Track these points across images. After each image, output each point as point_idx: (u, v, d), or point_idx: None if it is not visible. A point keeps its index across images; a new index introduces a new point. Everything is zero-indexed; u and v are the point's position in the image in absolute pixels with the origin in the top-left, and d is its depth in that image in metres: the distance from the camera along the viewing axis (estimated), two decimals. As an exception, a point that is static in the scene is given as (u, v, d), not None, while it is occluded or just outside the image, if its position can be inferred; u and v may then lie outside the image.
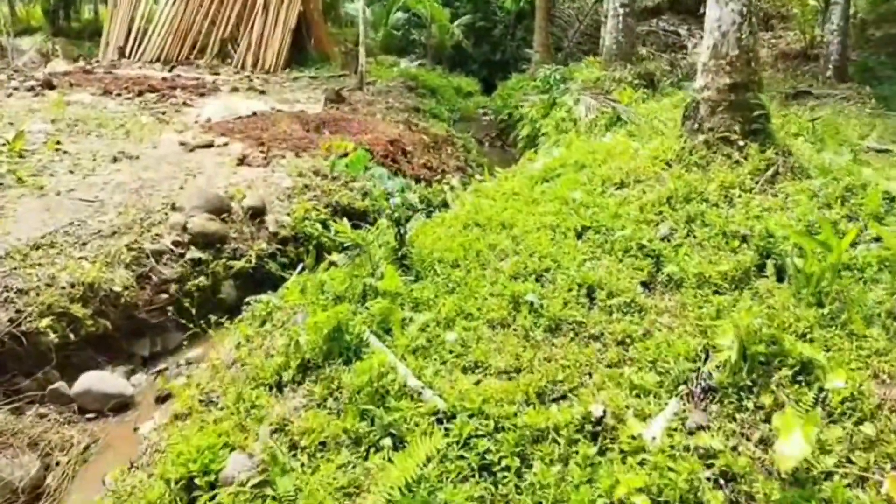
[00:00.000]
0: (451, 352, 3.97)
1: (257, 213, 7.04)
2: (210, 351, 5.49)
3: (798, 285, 4.29)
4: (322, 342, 4.03)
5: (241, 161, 8.54)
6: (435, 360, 3.91)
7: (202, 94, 13.88)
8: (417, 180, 9.72)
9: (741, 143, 6.43)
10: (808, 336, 3.79)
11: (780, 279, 4.46)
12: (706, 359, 3.63)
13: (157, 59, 19.21)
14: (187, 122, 11.21)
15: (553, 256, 5.18)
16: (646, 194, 6.21)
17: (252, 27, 18.70)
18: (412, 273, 5.20)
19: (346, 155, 5.44)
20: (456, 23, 23.86)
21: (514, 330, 4.24)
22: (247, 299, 5.50)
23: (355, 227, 8.34)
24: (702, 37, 23.51)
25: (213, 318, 5.42)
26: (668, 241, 5.24)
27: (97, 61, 19.30)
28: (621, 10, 12.23)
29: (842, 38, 13.55)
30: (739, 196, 5.85)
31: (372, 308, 4.39)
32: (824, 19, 21.62)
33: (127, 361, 5.59)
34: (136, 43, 19.88)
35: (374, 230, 5.67)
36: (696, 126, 6.71)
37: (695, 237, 5.21)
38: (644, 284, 4.68)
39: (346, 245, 5.39)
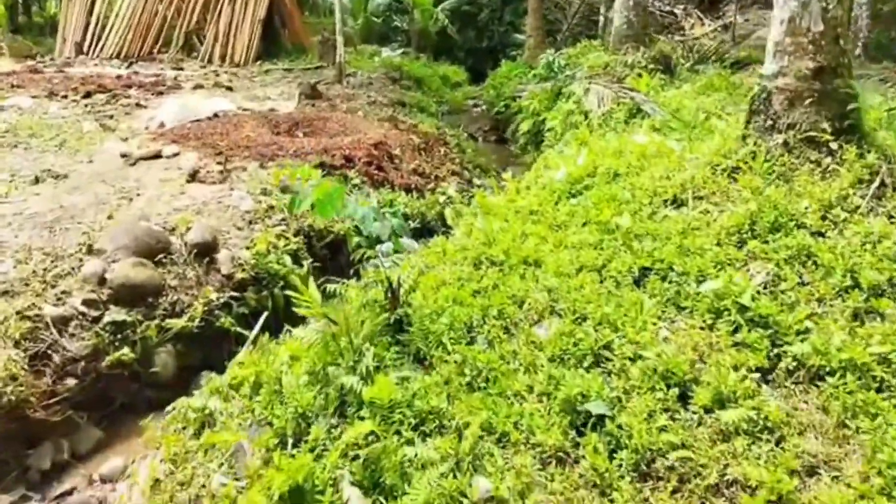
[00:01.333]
0: (486, 533, 2.36)
1: (207, 250, 5.36)
2: (132, 463, 3.86)
3: None
4: (273, 516, 2.40)
5: (192, 177, 6.83)
6: (462, 554, 2.30)
7: (160, 94, 12.08)
8: (408, 190, 8.07)
9: (833, 144, 4.83)
10: None
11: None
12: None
13: (117, 55, 17.30)
14: (136, 128, 9.45)
15: (610, 320, 3.57)
16: (714, 218, 4.60)
17: (219, 17, 16.83)
18: (412, 351, 3.58)
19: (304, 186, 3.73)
20: (440, 7, 22.06)
21: (581, 473, 2.63)
22: (168, 408, 3.81)
23: (334, 256, 6.74)
24: (699, 17, 21.55)
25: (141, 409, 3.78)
26: (772, 293, 3.64)
27: (52, 59, 17.35)
28: (632, -14, 10.61)
29: (870, 11, 11.98)
30: (845, 220, 4.26)
31: (355, 437, 2.75)
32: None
33: (17, 480, 3.93)
34: (95, 38, 17.93)
35: (357, 287, 4.00)
36: (769, 123, 5.09)
37: (811, 288, 3.60)
38: (760, 374, 3.07)
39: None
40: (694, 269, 3.92)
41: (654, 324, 3.51)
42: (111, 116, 10.13)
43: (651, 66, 10.42)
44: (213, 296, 4.99)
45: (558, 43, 16.07)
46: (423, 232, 7.94)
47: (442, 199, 8.06)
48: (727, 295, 3.51)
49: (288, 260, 5.82)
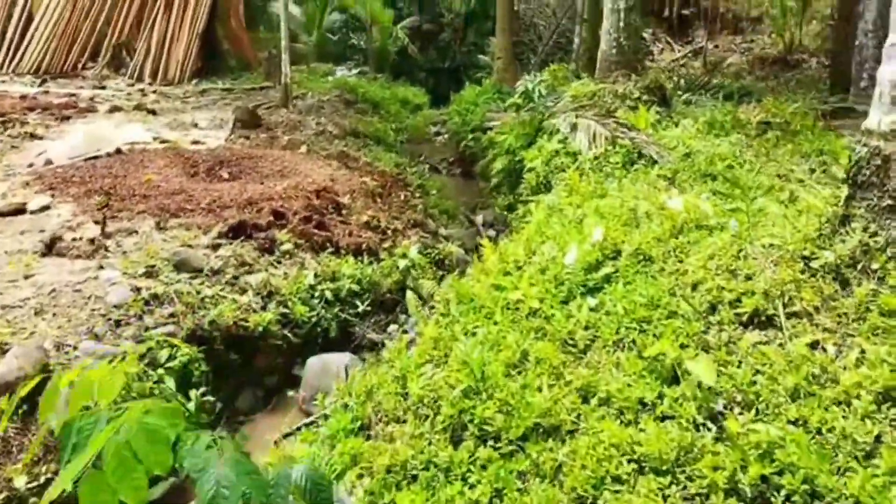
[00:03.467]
0: None
1: (28, 392, 3.31)
2: None
3: None
4: None
5: (50, 248, 4.75)
6: None
7: (66, 119, 9.88)
8: (358, 252, 6.11)
9: None
10: None
11: None
12: None
13: (37, 70, 14.92)
14: (18, 166, 7.29)
15: None
16: (836, 359, 2.79)
17: (153, 28, 14.64)
18: None
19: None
20: (399, 25, 20.26)
21: None
22: None
23: (248, 361, 4.72)
24: (669, 42, 20.22)
25: None
26: None
27: (-44, 73, 14.88)
28: (622, 5, 8.89)
29: (878, 41, 10.57)
30: None
31: None
32: (802, 21, 19.05)
33: None
34: (12, 49, 15.50)
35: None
36: (887, 202, 3.34)
37: None
38: None
39: None
40: (863, 496, 2.09)
41: None
42: (-9, 148, 7.93)
43: (645, 97, 8.72)
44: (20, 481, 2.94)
45: (531, 66, 14.36)
46: (378, 309, 6.01)
47: (402, 263, 6.14)
48: None
49: (171, 383, 3.81)
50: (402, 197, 7.84)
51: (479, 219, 9.26)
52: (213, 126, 10.15)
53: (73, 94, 12.00)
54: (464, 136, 12.91)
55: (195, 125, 10.11)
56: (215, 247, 5.04)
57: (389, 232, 6.82)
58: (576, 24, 13.37)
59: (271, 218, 5.73)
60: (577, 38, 13.55)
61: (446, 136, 15.25)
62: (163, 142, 8.81)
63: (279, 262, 5.28)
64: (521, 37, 19.11)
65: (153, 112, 10.87)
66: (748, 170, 6.32)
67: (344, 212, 6.67)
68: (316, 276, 5.31)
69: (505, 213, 9.14)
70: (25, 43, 15.40)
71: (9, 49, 15.57)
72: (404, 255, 6.25)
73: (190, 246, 4.96)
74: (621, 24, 9.00)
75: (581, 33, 13.15)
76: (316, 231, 5.89)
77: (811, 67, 18.12)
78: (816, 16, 20.02)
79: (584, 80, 9.54)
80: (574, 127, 7.90)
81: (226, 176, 7.21)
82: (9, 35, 15.69)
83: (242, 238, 5.34)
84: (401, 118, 15.36)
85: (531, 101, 8.76)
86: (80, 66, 15.31)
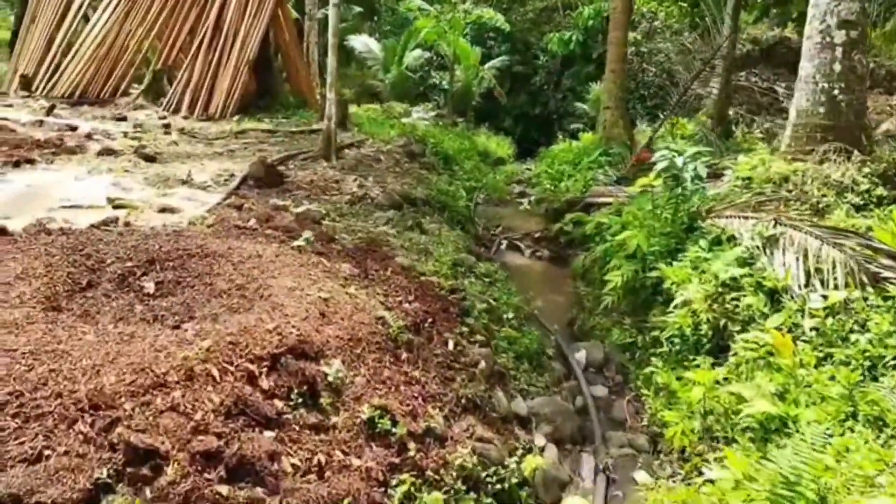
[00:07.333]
0: None
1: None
2: None
3: None
4: None
5: None
6: None
7: (28, 162, 7.05)
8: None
9: None
10: None
11: None
12: None
13: (72, 94, 12.55)
14: None
15: None
16: None
17: (197, 56, 11.98)
18: None
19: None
20: (487, 65, 17.05)
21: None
22: None
23: None
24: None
25: None
26: None
27: (-16, 94, 12.72)
28: (839, 36, 5.13)
29: None
30: None
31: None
32: None
33: None
34: (49, 72, 13.26)
35: None
36: None
37: None
38: None
39: None
40: None
41: None
42: None
43: (879, 189, 4.90)
44: None
45: (659, 121, 10.63)
46: None
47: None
48: None
49: None
50: (452, 344, 4.30)
51: (579, 357, 5.62)
52: (213, 183, 7.05)
53: (75, 127, 9.31)
54: (556, 206, 9.35)
55: (191, 181, 7.03)
56: None
57: (412, 443, 3.30)
58: (716, 65, 9.63)
59: (113, 473, 2.31)
60: (715, 87, 9.77)
61: (532, 199, 11.69)
62: (116, 206, 5.75)
63: None
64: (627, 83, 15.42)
65: (152, 158, 7.92)
66: None
67: (324, 399, 3.21)
68: None
69: (625, 354, 5.48)
70: (63, 66, 13.13)
71: (46, 71, 13.34)
72: (428, 537, 2.70)
73: None
74: (837, 66, 5.20)
75: (722, 79, 9.38)
76: (224, 493, 2.43)
77: None
78: None
79: (759, 152, 5.77)
80: (771, 241, 4.18)
81: (149, 290, 3.95)
82: (49, 57, 13.48)
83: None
84: (479, 174, 11.98)
85: (677, 184, 5.08)
86: (118, 92, 12.85)
